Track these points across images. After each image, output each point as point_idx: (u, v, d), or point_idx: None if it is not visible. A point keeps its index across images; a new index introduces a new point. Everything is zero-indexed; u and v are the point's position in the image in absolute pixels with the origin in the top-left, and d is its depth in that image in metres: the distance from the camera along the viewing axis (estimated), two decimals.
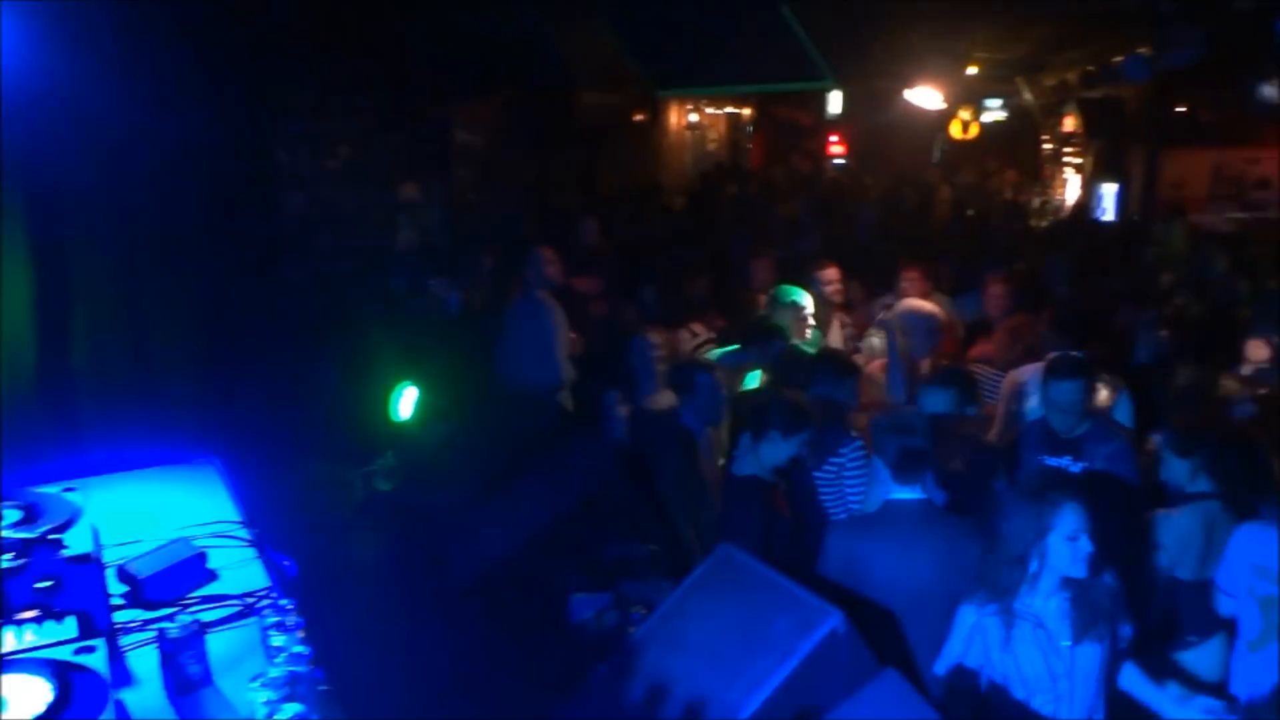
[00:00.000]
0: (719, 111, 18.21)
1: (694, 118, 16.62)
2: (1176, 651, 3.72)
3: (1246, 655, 3.46)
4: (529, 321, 5.97)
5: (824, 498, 4.24)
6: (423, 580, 4.52)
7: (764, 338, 5.38)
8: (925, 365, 5.52)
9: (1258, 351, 5.43)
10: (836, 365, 4.74)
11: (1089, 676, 3.04)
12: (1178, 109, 11.58)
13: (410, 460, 5.39)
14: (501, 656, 3.91)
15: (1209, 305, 7.18)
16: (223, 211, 4.73)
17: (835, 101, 15.37)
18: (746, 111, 19.19)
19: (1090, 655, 3.04)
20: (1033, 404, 4.85)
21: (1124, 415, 4.82)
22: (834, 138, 18.01)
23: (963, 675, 3.17)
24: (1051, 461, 4.19)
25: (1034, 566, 3.01)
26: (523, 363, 5.92)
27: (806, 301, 5.77)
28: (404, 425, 5.64)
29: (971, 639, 3.12)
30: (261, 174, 5.70)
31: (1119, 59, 10.69)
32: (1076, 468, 4.19)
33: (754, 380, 5.24)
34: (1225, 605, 3.60)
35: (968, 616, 3.12)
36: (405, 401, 5.66)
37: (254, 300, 5.02)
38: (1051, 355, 4.50)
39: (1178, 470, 3.90)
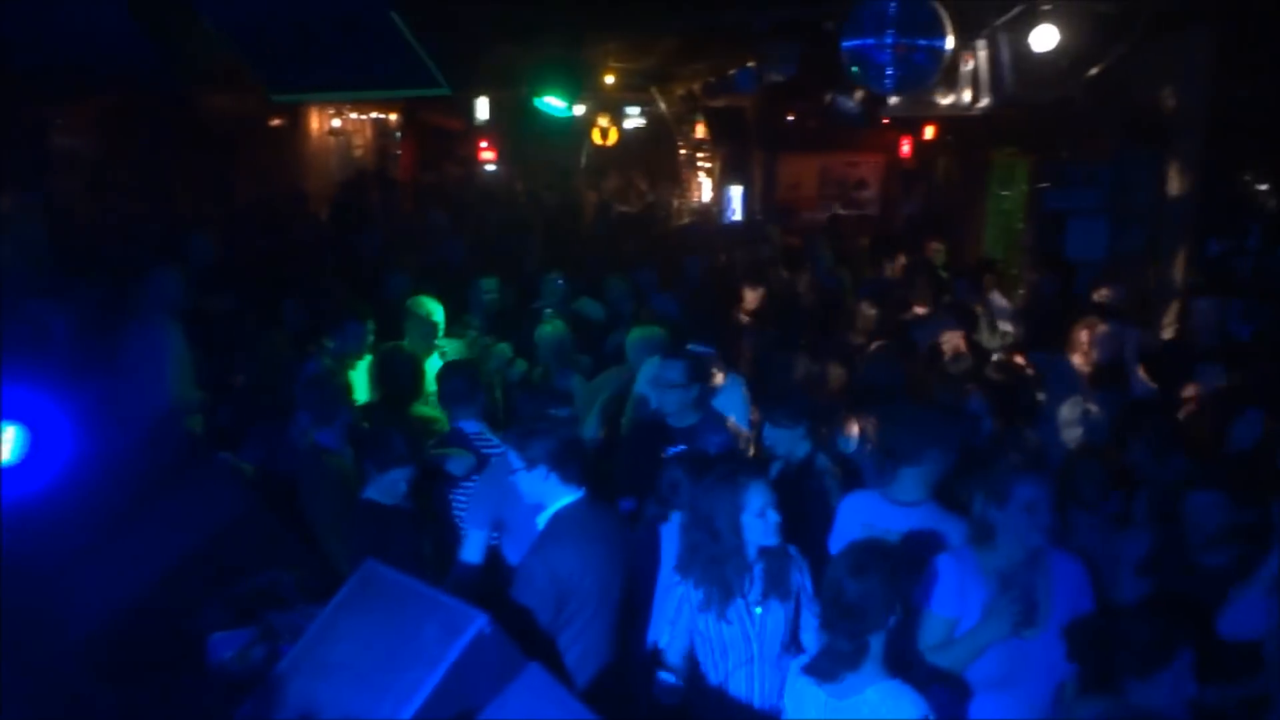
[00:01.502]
0: (364, 117, 17.68)
1: (337, 123, 16.02)
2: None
3: None
4: (144, 347, 5.49)
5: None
6: (34, 641, 4.02)
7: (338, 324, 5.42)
8: None
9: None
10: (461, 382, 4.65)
11: (775, 637, 3.37)
12: (788, 117, 12.87)
13: (12, 507, 4.75)
14: (135, 712, 3.57)
15: (817, 293, 8.03)
16: None
17: (483, 107, 15.43)
18: (394, 117, 18.77)
19: (776, 618, 3.36)
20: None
21: (736, 401, 5.17)
22: (484, 144, 18.10)
23: (670, 646, 3.43)
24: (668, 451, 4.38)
25: (732, 543, 3.29)
26: (139, 391, 5.43)
27: (434, 312, 5.74)
28: (4, 469, 4.97)
29: (679, 612, 3.37)
30: None
31: (733, 71, 11.68)
32: None
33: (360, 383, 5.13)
34: None
35: (673, 593, 3.37)
36: (4, 442, 4.99)
37: None
38: None
39: (786, 443, 4.36)
